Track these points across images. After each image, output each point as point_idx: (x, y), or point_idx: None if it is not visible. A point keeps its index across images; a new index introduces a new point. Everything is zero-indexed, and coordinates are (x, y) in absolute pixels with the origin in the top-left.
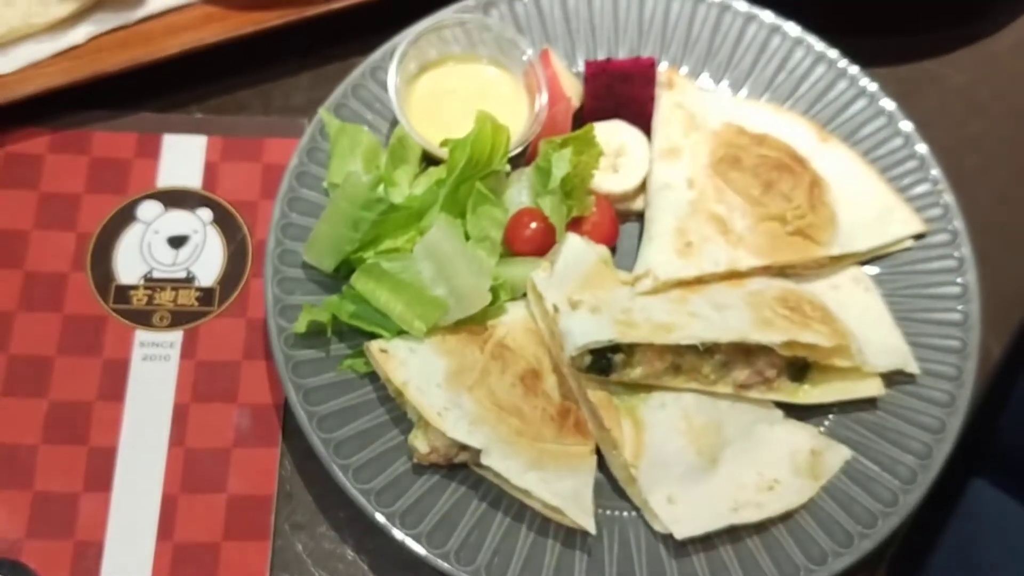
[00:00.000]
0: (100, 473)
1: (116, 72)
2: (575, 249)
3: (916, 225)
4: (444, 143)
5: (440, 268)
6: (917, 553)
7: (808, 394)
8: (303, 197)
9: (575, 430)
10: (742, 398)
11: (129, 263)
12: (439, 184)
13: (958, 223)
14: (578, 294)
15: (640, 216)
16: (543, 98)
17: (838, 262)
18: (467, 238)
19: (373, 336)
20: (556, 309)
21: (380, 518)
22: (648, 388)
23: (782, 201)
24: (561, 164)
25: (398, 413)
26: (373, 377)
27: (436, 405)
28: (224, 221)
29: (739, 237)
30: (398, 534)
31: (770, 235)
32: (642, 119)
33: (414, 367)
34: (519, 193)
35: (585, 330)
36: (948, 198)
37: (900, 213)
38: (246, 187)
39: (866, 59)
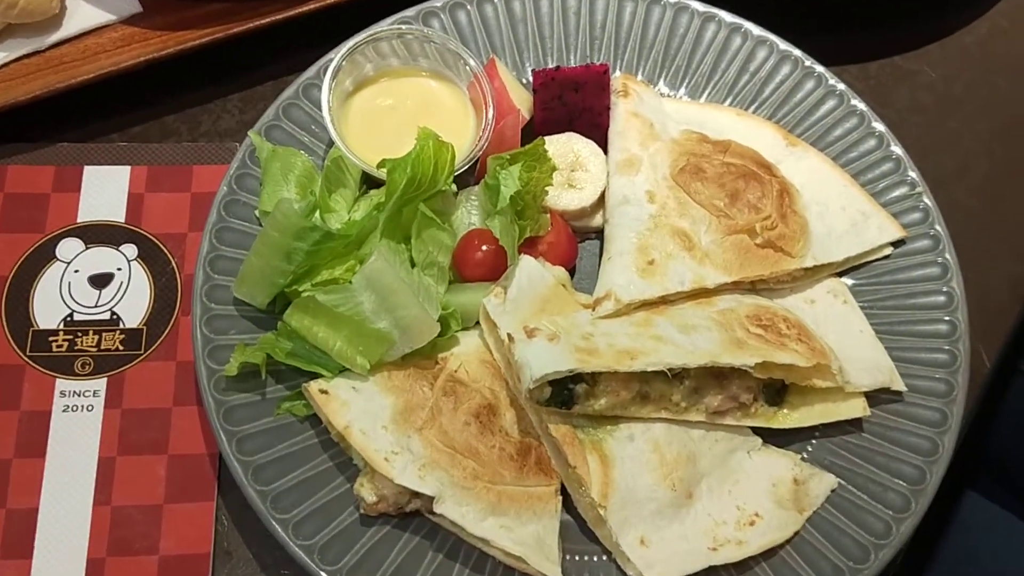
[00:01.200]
0: (20, 537)
1: (29, 101)
2: (530, 272)
3: (894, 231)
4: (382, 164)
5: (382, 299)
6: (913, 571)
7: (787, 418)
8: (233, 227)
9: (537, 469)
10: (716, 426)
11: (48, 306)
12: (379, 208)
13: (939, 227)
14: (534, 321)
15: (600, 233)
16: (490, 112)
17: (813, 274)
18: (412, 265)
19: (313, 376)
20: (511, 338)
21: None
22: (613, 420)
23: (750, 212)
24: (510, 181)
25: (343, 459)
26: (314, 421)
27: (383, 449)
28: (150, 256)
29: (705, 252)
30: None
31: (739, 249)
32: (597, 130)
33: (358, 408)
34: (467, 214)
35: (543, 360)
36: (927, 201)
37: (876, 219)
38: (174, 218)
39: (833, 58)
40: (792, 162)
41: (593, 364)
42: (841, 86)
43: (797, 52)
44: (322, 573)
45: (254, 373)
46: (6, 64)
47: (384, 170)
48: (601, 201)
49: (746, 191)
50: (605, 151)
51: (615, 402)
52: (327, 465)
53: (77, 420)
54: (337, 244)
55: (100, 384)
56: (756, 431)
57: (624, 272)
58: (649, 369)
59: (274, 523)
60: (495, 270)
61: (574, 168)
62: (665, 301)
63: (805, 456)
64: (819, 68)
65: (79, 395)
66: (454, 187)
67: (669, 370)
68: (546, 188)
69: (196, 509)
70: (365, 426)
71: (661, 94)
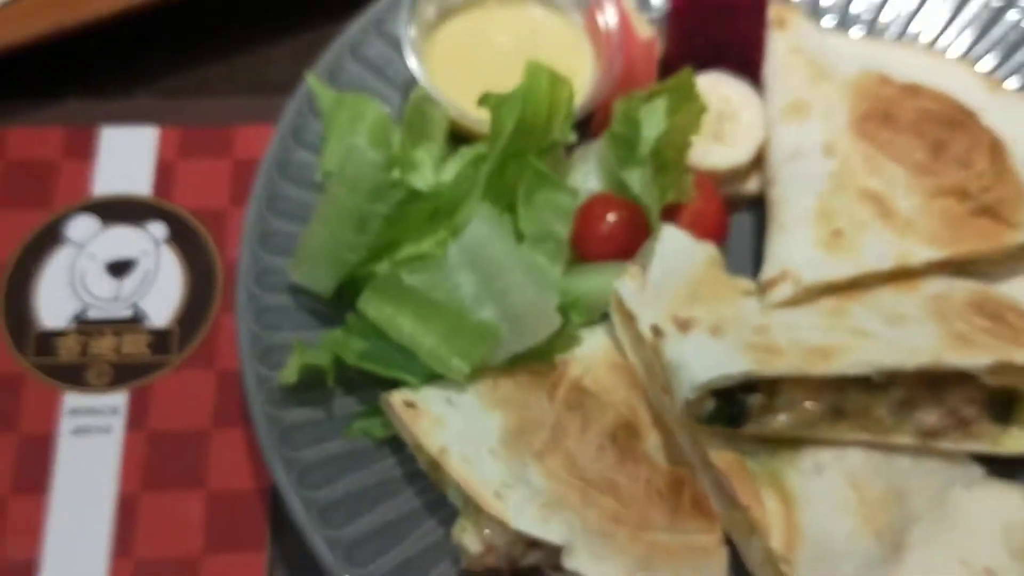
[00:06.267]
0: None
1: (32, 42)
2: (675, 247)
3: None
4: (483, 100)
5: (487, 279)
6: None
7: (1019, 440)
8: (287, 195)
9: (694, 510)
10: (930, 451)
11: (55, 300)
12: (478, 163)
13: None
14: (687, 310)
15: (754, 202)
16: (614, 42)
17: None
18: (520, 238)
19: (394, 384)
20: (657, 332)
21: None
22: (795, 444)
23: (958, 169)
24: (653, 122)
25: (434, 495)
26: (397, 444)
27: (492, 482)
28: (183, 238)
29: (906, 221)
30: None
31: (947, 216)
32: (748, 69)
33: (456, 426)
34: (585, 177)
35: (707, 360)
36: None
37: None
38: (212, 191)
39: None
40: (996, 110)
41: (776, 366)
42: None
43: None
44: None
45: (318, 381)
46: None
47: (483, 114)
48: (757, 160)
49: (952, 142)
50: (760, 95)
51: (800, 419)
52: (415, 503)
53: (90, 445)
54: (423, 208)
55: (120, 399)
56: (976, 458)
57: (804, 246)
58: (853, 372)
59: None
60: (628, 245)
61: (723, 117)
62: (858, 284)
63: None
64: None
65: (93, 413)
66: (573, 136)
67: (876, 374)
68: (692, 138)
69: (243, 562)
70: (467, 451)
71: (825, 28)
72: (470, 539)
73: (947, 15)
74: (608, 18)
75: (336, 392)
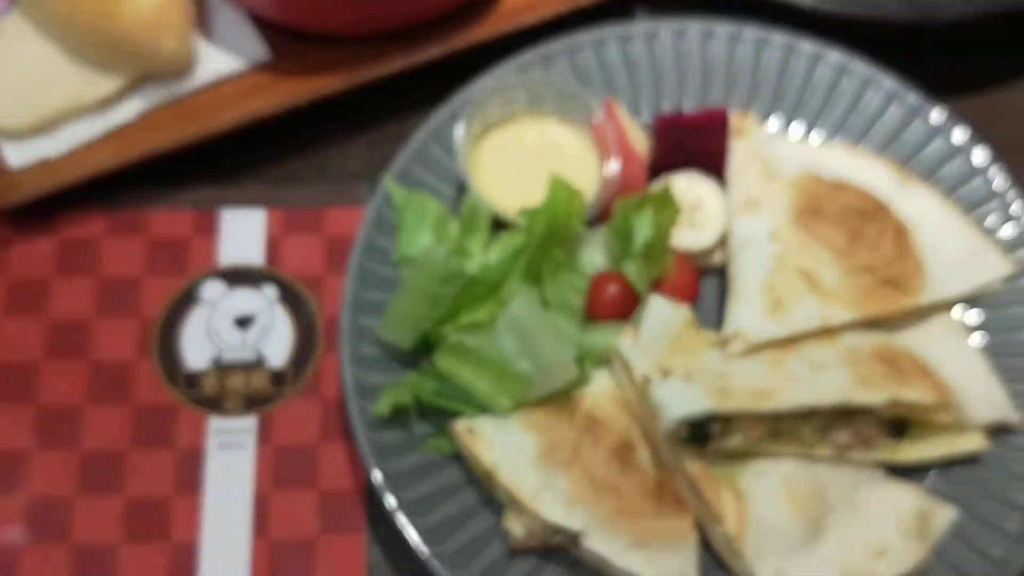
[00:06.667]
0: (184, 571)
1: (171, 150)
2: (660, 312)
3: (1006, 266)
4: (521, 214)
5: (524, 342)
6: None
7: (908, 451)
8: (374, 272)
9: (673, 503)
10: (843, 460)
11: (196, 347)
12: (516, 255)
13: None
14: (667, 361)
15: (717, 270)
16: (616, 159)
17: (929, 310)
18: (546, 305)
19: (457, 414)
20: (646, 379)
21: None
22: (745, 457)
23: (869, 251)
24: (642, 228)
25: (487, 495)
26: (459, 457)
27: (529, 486)
28: (291, 298)
29: (829, 291)
30: None
31: (860, 287)
32: (713, 169)
33: (503, 446)
34: (593, 255)
35: (681, 401)
36: None
37: (989, 255)
38: (310, 261)
39: (938, 90)
40: (905, 199)
41: (731, 404)
42: (948, 122)
43: (904, 89)
44: None
45: (402, 411)
46: (146, 113)
47: (517, 209)
48: (721, 240)
49: (864, 230)
50: (723, 190)
51: (748, 439)
52: (474, 500)
53: (231, 457)
54: (478, 288)
55: (251, 422)
56: (878, 465)
57: (752, 312)
58: (785, 409)
59: (432, 557)
60: (625, 311)
61: (695, 208)
62: (791, 341)
63: (924, 488)
64: (926, 105)
65: (231, 432)
66: (584, 228)
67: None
68: (670, 232)
69: (348, 541)
70: (512, 464)
71: (773, 133)
72: (515, 526)
73: (870, 121)
74: (609, 133)
75: (415, 419)
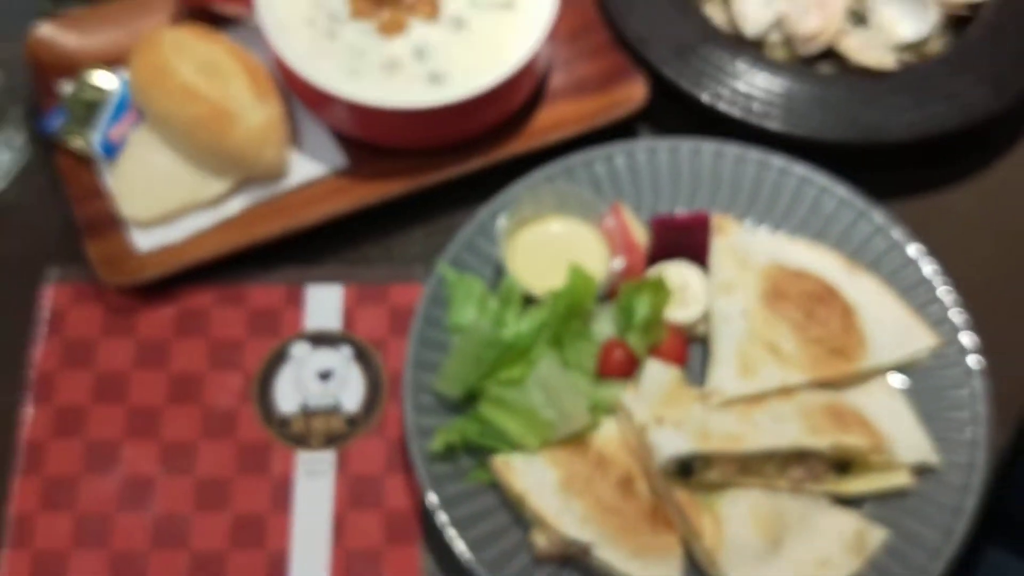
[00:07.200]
0: (277, 573)
1: (270, 240)
2: (655, 372)
3: (932, 339)
4: (548, 296)
5: (549, 395)
6: None
7: (850, 485)
8: (430, 337)
9: (664, 524)
10: (798, 491)
11: (287, 396)
12: (543, 326)
13: (966, 336)
14: (661, 411)
15: (700, 339)
16: (621, 252)
17: (870, 374)
18: (566, 365)
19: (494, 451)
20: (643, 426)
21: None
22: (721, 487)
23: (821, 326)
24: (641, 307)
25: (517, 515)
26: (495, 485)
27: (552, 509)
28: (362, 356)
29: (788, 358)
30: None
31: (813, 355)
32: (699, 259)
33: (531, 478)
34: (603, 326)
35: (671, 444)
36: (957, 314)
37: (918, 330)
38: (377, 327)
39: (881, 195)
40: (852, 285)
41: (710, 446)
42: (888, 224)
43: (854, 198)
44: None
45: (452, 449)
46: (247, 209)
47: (543, 290)
48: (704, 315)
49: (817, 310)
50: (706, 274)
51: (724, 474)
52: (507, 519)
53: (315, 483)
54: (513, 352)
55: (330, 455)
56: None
57: (727, 374)
58: (751, 451)
59: (474, 563)
60: (629, 371)
61: (684, 290)
62: (758, 398)
63: (862, 513)
64: (871, 210)
65: (315, 463)
66: (596, 307)
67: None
68: (664, 309)
69: (406, 552)
70: (538, 492)
71: (748, 230)
72: (539, 540)
73: (826, 222)
74: (616, 230)
75: (462, 455)
